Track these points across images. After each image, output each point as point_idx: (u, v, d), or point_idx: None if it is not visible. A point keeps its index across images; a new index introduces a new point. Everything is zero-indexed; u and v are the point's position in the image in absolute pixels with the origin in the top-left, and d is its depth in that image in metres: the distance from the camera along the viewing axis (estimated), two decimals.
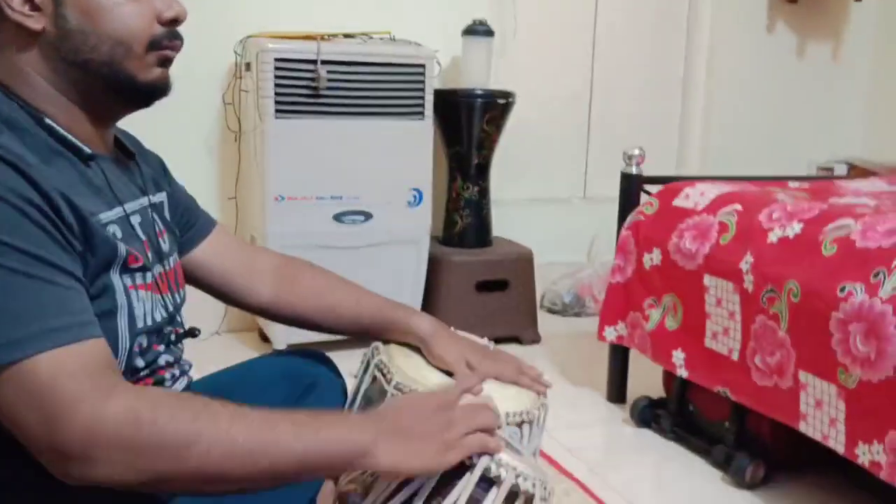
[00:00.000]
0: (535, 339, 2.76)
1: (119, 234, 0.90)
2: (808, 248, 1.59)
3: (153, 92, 0.93)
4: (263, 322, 2.56)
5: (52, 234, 0.77)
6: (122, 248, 0.87)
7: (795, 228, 1.66)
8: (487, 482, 0.89)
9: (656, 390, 2.11)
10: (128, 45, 0.88)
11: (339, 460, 0.83)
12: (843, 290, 1.47)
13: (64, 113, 0.89)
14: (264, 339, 2.61)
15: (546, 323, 2.91)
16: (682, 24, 3.45)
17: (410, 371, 1.11)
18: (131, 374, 0.91)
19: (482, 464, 0.89)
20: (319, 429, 0.82)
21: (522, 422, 1.10)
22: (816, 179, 2.44)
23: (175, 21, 0.92)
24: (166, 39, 0.91)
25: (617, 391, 2.23)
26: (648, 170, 2.22)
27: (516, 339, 2.73)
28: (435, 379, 1.12)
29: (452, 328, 1.23)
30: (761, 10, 3.49)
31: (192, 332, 1.05)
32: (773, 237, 1.68)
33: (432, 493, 0.89)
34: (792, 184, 2.22)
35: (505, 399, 1.08)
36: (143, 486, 0.76)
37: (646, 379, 2.18)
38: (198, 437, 0.75)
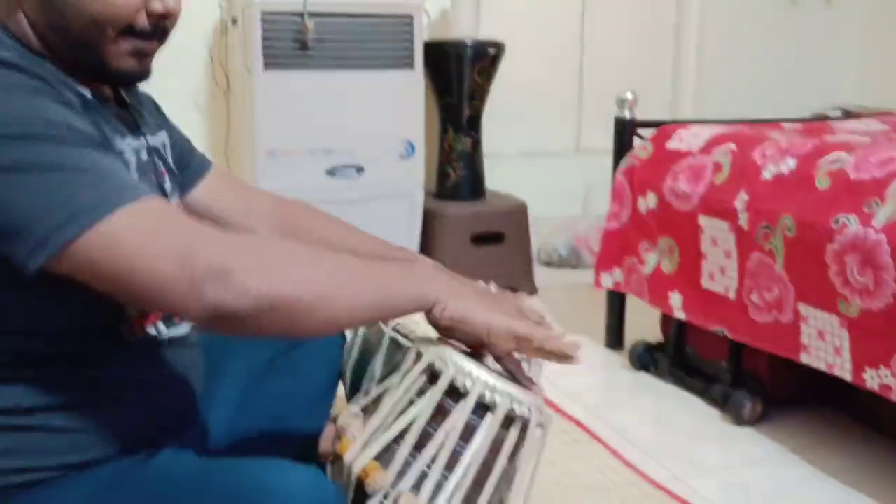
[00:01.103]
0: (532, 291, 2.76)
1: (132, 163, 0.92)
2: (801, 183, 1.59)
3: (123, 79, 0.92)
4: None
5: (88, 125, 0.81)
6: (134, 174, 0.87)
7: (790, 164, 1.64)
8: (482, 409, 0.89)
9: (654, 335, 2.11)
10: (102, 27, 0.85)
11: (421, 293, 0.88)
12: (836, 221, 1.47)
13: (59, 63, 0.87)
14: None
15: (543, 276, 2.91)
16: None
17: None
18: (138, 312, 0.91)
19: (476, 390, 0.89)
20: (409, 269, 0.94)
21: (522, 359, 1.11)
22: (809, 121, 2.42)
23: (164, 17, 0.88)
24: (145, 33, 0.87)
25: (614, 338, 2.24)
26: (643, 117, 2.20)
27: (513, 292, 2.72)
28: None
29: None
30: None
31: None
32: (766, 174, 1.67)
33: (429, 421, 0.89)
34: (786, 125, 2.20)
35: None
36: (267, 314, 0.77)
37: (643, 325, 2.18)
38: (308, 255, 0.84)
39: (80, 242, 0.73)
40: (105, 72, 0.89)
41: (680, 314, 1.90)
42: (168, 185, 1.01)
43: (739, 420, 1.78)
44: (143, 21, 0.87)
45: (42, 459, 0.84)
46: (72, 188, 0.74)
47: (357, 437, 0.92)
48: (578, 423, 1.79)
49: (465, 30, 2.68)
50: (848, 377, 1.49)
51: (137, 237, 0.75)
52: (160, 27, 0.89)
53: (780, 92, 3.50)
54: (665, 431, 1.79)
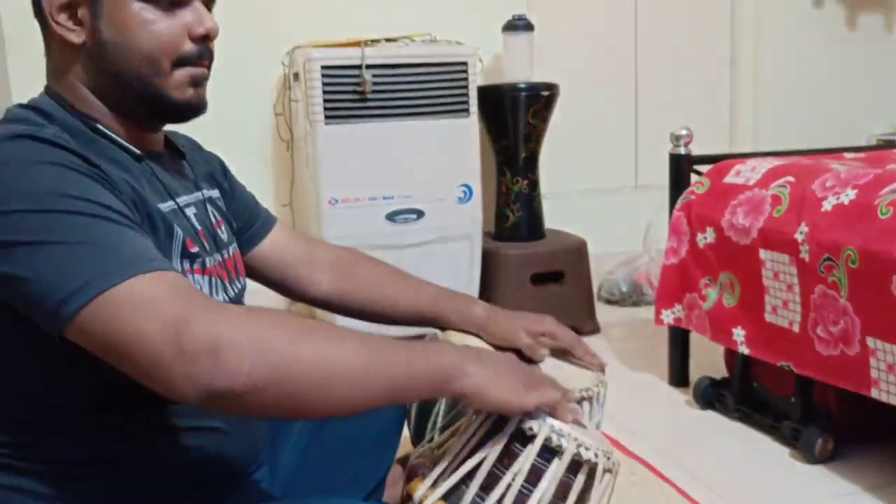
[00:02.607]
0: (595, 330, 2.76)
1: (186, 216, 0.95)
2: (863, 213, 1.57)
3: (184, 111, 0.95)
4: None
5: (120, 197, 0.82)
6: (179, 231, 0.91)
7: (850, 195, 1.63)
8: (550, 452, 0.90)
9: (718, 371, 2.09)
10: (155, 61, 0.90)
11: (437, 374, 0.83)
12: None
13: (109, 119, 0.93)
14: None
15: (604, 313, 2.91)
16: (726, 2, 3.42)
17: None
18: None
19: (543, 433, 0.90)
20: (418, 346, 0.84)
21: (583, 398, 1.11)
22: (872, 149, 2.38)
23: (206, 38, 0.93)
24: (195, 56, 0.93)
25: (679, 375, 2.21)
26: (701, 151, 2.20)
27: (575, 331, 2.71)
28: None
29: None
30: None
31: None
32: (827, 205, 1.66)
33: (496, 462, 0.91)
34: (847, 155, 2.18)
35: (565, 378, 1.09)
36: (265, 391, 0.74)
37: (708, 361, 2.16)
38: (310, 334, 0.78)
39: (84, 312, 0.74)
40: (167, 106, 0.93)
41: (744, 349, 1.88)
42: (223, 234, 1.05)
43: (810, 458, 1.74)
44: (189, 47, 0.92)
45: None
46: (86, 259, 0.75)
47: (427, 476, 0.95)
48: (645, 464, 1.77)
49: (518, 73, 2.73)
50: None
51: (134, 309, 0.73)
52: (206, 49, 0.94)
53: (842, 118, 3.45)
54: (734, 470, 1.76)
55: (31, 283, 0.75)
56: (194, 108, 0.95)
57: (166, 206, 0.93)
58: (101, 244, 0.76)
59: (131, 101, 0.92)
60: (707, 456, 1.83)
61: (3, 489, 0.85)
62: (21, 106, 0.91)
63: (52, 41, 0.92)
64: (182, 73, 0.92)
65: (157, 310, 0.73)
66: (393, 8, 2.78)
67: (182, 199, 0.98)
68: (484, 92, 2.64)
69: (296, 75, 2.50)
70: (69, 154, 0.81)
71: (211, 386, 0.72)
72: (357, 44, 2.43)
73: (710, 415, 2.03)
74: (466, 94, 2.54)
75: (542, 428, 0.90)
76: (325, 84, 2.38)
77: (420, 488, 0.94)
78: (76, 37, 0.90)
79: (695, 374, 2.16)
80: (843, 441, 1.76)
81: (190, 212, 0.99)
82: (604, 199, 3.28)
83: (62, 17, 0.89)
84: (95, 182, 0.81)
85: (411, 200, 2.52)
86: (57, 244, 0.75)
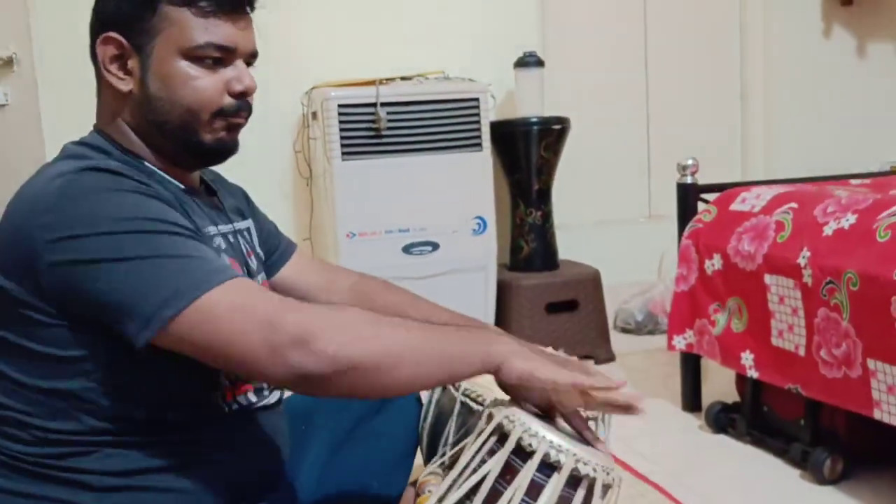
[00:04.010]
0: (610, 358, 2.79)
1: (223, 245, 1.04)
2: (862, 237, 1.61)
3: (219, 152, 1.04)
4: None
5: (185, 217, 0.93)
6: (224, 256, 0.99)
7: (850, 219, 1.67)
8: (549, 468, 0.93)
9: (731, 396, 2.11)
10: (196, 113, 0.99)
11: (486, 355, 0.93)
12: None
13: (153, 159, 1.02)
14: None
15: (620, 342, 2.94)
16: (735, 35, 3.48)
17: (477, 378, 1.19)
18: (231, 382, 1.02)
19: (541, 449, 0.94)
20: (475, 337, 0.96)
21: (589, 418, 1.16)
22: (879, 175, 2.42)
23: (244, 94, 1.02)
24: (233, 110, 1.01)
25: (691, 400, 2.24)
26: (715, 181, 2.25)
27: (590, 359, 2.76)
28: None
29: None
30: (815, 15, 3.49)
31: None
32: (828, 230, 1.70)
33: (498, 478, 0.94)
34: (853, 181, 2.22)
35: None
36: (344, 375, 0.85)
37: (720, 387, 2.18)
38: (379, 323, 0.90)
39: (181, 318, 0.85)
40: (204, 150, 1.02)
41: (753, 373, 1.91)
42: (254, 264, 1.13)
43: (820, 479, 1.75)
44: (228, 102, 1.01)
45: None
46: (174, 271, 0.86)
47: (433, 493, 0.99)
48: (657, 486, 1.80)
49: (530, 108, 2.80)
50: None
51: (229, 312, 0.85)
52: (245, 103, 1.03)
53: (854, 146, 3.48)
54: (744, 492, 1.78)
55: (122, 295, 0.85)
56: (228, 150, 1.05)
57: (213, 230, 1.04)
58: (185, 257, 0.88)
59: (171, 146, 1.01)
60: (718, 478, 1.85)
61: (48, 500, 0.92)
62: (76, 143, 1.01)
63: (104, 87, 1.01)
64: (219, 123, 1.01)
65: (250, 311, 0.85)
66: (407, 47, 2.87)
67: (216, 232, 1.06)
68: (496, 127, 2.72)
69: (314, 114, 2.59)
70: (135, 181, 0.91)
71: (304, 369, 0.84)
72: (372, 83, 2.52)
73: (723, 439, 2.05)
74: (479, 129, 2.62)
75: (541, 444, 0.93)
76: (341, 122, 2.47)
77: (427, 503, 0.99)
78: (125, 85, 0.99)
79: (707, 399, 2.18)
80: (852, 462, 1.78)
81: (222, 243, 1.07)
82: (618, 230, 3.33)
83: (113, 67, 0.98)
84: (163, 203, 0.91)
85: (426, 233, 2.59)
86: (144, 259, 0.86)
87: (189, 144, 1.01)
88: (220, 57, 0.99)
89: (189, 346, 0.87)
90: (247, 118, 1.04)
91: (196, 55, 0.97)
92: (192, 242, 0.90)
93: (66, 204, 0.87)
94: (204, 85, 0.98)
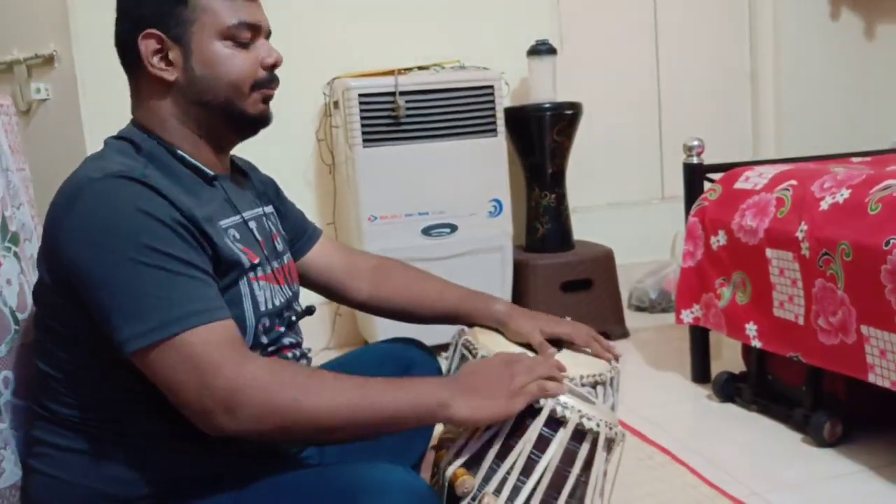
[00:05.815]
0: (624, 334, 2.89)
1: (238, 236, 1.12)
2: (855, 210, 1.70)
3: (259, 122, 1.15)
4: (366, 335, 2.80)
5: (188, 241, 1.00)
6: (243, 256, 1.08)
7: (844, 194, 1.76)
8: (555, 423, 1.04)
9: (738, 367, 2.21)
10: (238, 87, 1.10)
11: (423, 411, 1.00)
12: (888, 243, 1.57)
13: (191, 145, 1.12)
14: None
15: (634, 320, 3.04)
16: (745, 18, 3.55)
17: (492, 346, 1.25)
18: (260, 349, 1.12)
19: (548, 406, 1.04)
20: (407, 387, 1.01)
21: (596, 383, 1.22)
22: (880, 154, 2.49)
23: (274, 66, 1.14)
24: (267, 81, 1.14)
25: (700, 371, 2.34)
26: (726, 161, 2.34)
27: (605, 336, 2.84)
28: (514, 350, 1.26)
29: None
30: None
31: (310, 310, 1.25)
32: (824, 204, 1.79)
33: (510, 433, 1.05)
34: (854, 159, 2.30)
35: (578, 365, 1.23)
36: (272, 434, 0.95)
37: (730, 362, 2.28)
38: (308, 391, 0.95)
39: (144, 353, 0.93)
40: (246, 120, 1.13)
41: (756, 343, 2.00)
42: (280, 245, 1.23)
43: (820, 441, 1.85)
44: (262, 74, 1.13)
45: (185, 472, 1.04)
46: (153, 308, 0.94)
47: (451, 448, 1.10)
48: (663, 449, 1.90)
49: (543, 94, 2.89)
50: None
51: (181, 361, 0.93)
52: (274, 75, 1.15)
53: (864, 127, 3.53)
54: (746, 454, 1.88)
55: (108, 313, 0.94)
56: (265, 121, 1.16)
57: (231, 220, 1.12)
58: (170, 297, 0.94)
59: (217, 121, 1.12)
60: (723, 443, 1.95)
61: (84, 454, 1.04)
62: (115, 137, 1.12)
63: (143, 81, 1.11)
64: (257, 94, 1.13)
65: (194, 365, 0.93)
66: (424, 38, 2.97)
67: (246, 214, 1.17)
68: (511, 112, 2.82)
69: (335, 103, 2.70)
70: (157, 197, 0.99)
71: (229, 430, 0.94)
72: (391, 72, 2.63)
73: (729, 407, 2.15)
74: (494, 115, 2.72)
75: (548, 401, 1.04)
76: (362, 111, 2.58)
77: (445, 458, 1.09)
78: (170, 75, 1.09)
79: (716, 370, 2.28)
80: (852, 426, 1.87)
81: (252, 225, 1.17)
82: (631, 211, 3.42)
83: (156, 60, 1.09)
84: (175, 234, 0.99)
85: (445, 216, 2.70)
86: (135, 290, 0.94)
87: (234, 116, 1.12)
88: (249, 35, 1.11)
89: (150, 377, 0.96)
90: (277, 87, 1.16)
91: (231, 35, 1.09)
92: (185, 281, 0.96)
93: (84, 207, 0.98)
94: (241, 61, 1.10)
